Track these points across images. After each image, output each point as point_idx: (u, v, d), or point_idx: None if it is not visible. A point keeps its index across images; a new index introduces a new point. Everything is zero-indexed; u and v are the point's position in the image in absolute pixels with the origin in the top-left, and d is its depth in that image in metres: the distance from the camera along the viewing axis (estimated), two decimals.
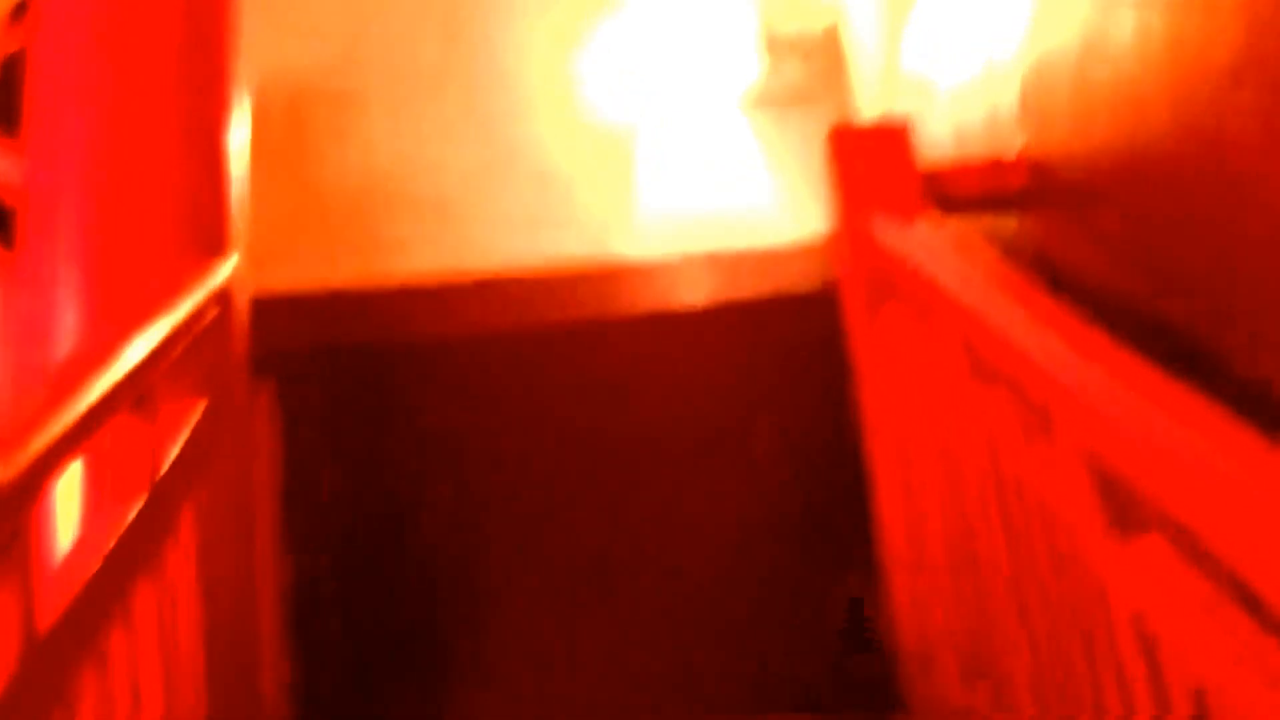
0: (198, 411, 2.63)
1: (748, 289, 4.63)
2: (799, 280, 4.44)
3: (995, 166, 2.86)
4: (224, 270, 2.87)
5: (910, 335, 2.50)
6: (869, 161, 2.81)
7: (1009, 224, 2.82)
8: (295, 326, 4.28)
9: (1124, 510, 1.60)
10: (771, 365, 4.35)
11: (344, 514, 4.22)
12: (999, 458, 2.04)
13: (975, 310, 2.00)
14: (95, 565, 2.03)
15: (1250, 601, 1.44)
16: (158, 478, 2.30)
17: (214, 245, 2.98)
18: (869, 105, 4.45)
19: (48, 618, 1.79)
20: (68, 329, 2.84)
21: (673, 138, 5.06)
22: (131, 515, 2.19)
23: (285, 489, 3.84)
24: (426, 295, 4.66)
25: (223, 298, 2.84)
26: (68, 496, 2.41)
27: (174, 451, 2.44)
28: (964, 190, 2.82)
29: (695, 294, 4.69)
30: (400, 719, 4.08)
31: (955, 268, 2.20)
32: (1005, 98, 2.91)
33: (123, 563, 2.14)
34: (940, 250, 2.32)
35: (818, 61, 4.96)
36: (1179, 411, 1.50)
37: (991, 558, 2.12)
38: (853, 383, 2.85)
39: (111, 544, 2.10)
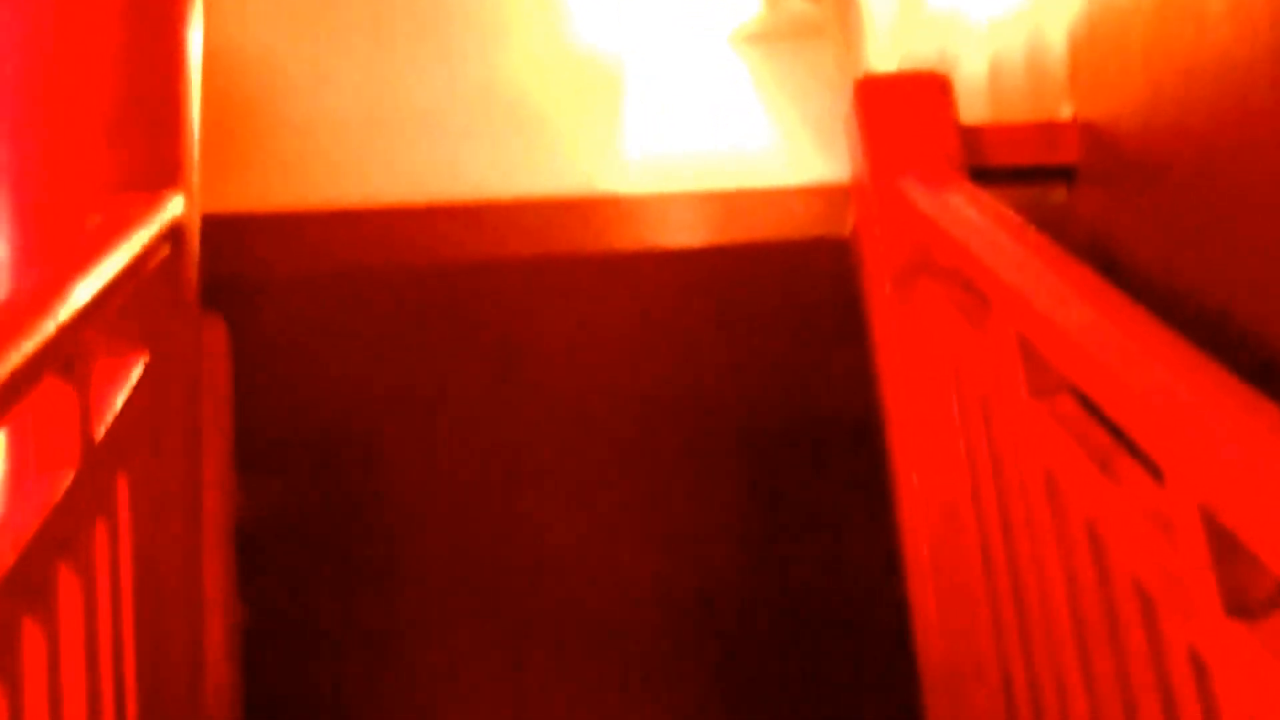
0: (139, 366, 2.35)
1: (742, 232, 4.39)
2: (798, 226, 4.22)
3: (1044, 130, 2.56)
4: (175, 204, 2.56)
5: (948, 322, 2.22)
6: (901, 116, 2.52)
7: (1057, 196, 2.53)
8: (250, 252, 4.04)
9: (1247, 587, 1.33)
10: (767, 315, 4.09)
11: (299, 456, 3.97)
12: (1062, 491, 1.76)
13: (1048, 316, 1.72)
14: (16, 551, 1.77)
15: None
16: (89, 449, 2.02)
17: (164, 174, 2.67)
18: (882, 40, 4.16)
19: None
20: None
21: (663, 71, 4.80)
22: (58, 493, 1.91)
23: (236, 432, 3.57)
24: (391, 222, 4.42)
25: (173, 235, 2.54)
26: None
27: (110, 416, 2.16)
28: (1007, 156, 2.53)
29: (685, 234, 4.45)
30: (352, 673, 3.84)
31: (1016, 254, 1.91)
32: (1054, 40, 2.61)
33: (47, 547, 1.87)
34: (994, 229, 2.03)
35: None
36: None
37: (1046, 602, 1.85)
38: (865, 344, 2.59)
39: (35, 527, 1.83)
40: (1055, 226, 2.35)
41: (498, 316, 4.21)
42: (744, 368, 4.02)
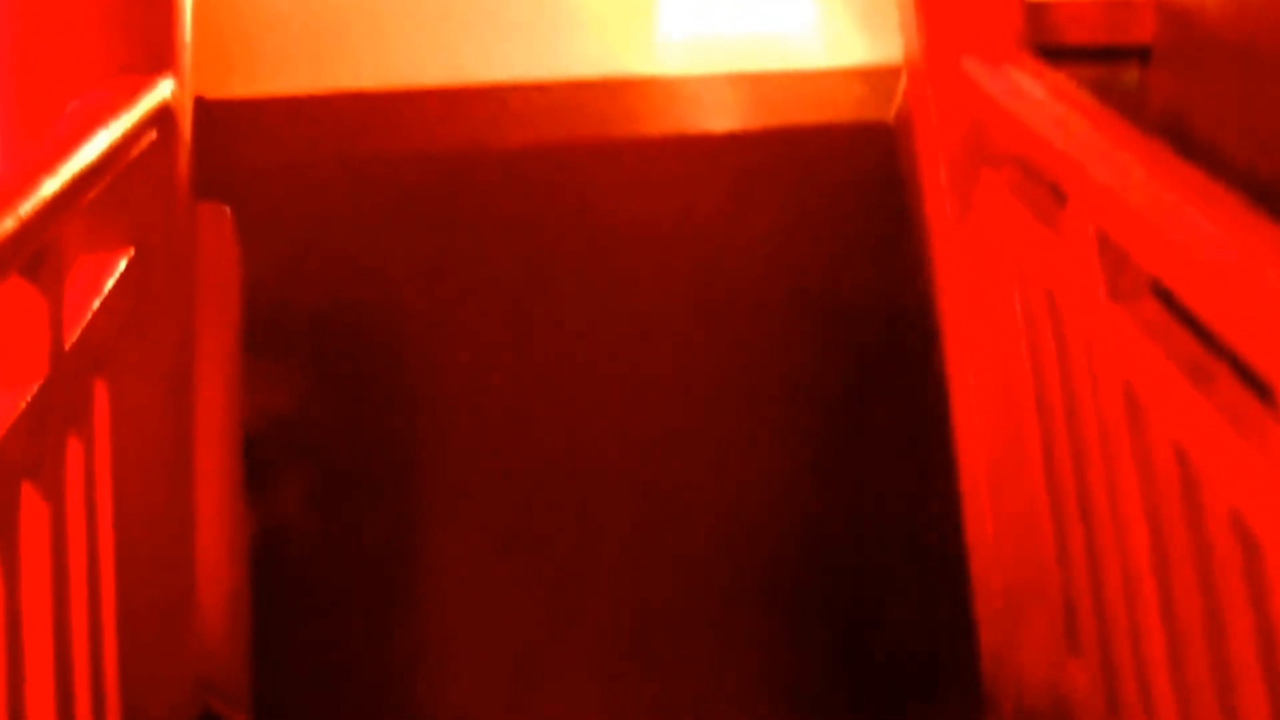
0: (123, 262, 2.16)
1: (779, 116, 4.21)
2: (839, 110, 4.05)
3: (1116, 6, 2.38)
4: (163, 87, 2.36)
5: (1012, 216, 2.03)
6: None
7: (1128, 78, 2.33)
8: (263, 139, 3.88)
9: None
10: (804, 202, 3.93)
11: (313, 354, 3.82)
12: (1144, 406, 1.57)
13: (1139, 210, 1.52)
14: None
15: None
16: (59, 357, 1.83)
17: (154, 58, 2.47)
18: None
19: None
20: None
21: None
22: (20, 407, 1.73)
23: (248, 330, 3.41)
24: (411, 105, 4.27)
25: (161, 119, 2.35)
26: None
27: (86, 318, 1.97)
28: (1076, 34, 2.35)
29: (720, 118, 4.28)
30: (368, 580, 3.71)
31: (1097, 140, 1.71)
32: None
33: (7, 468, 1.69)
34: (1071, 112, 1.83)
35: None
36: None
37: (1121, 530, 1.67)
38: (909, 236, 2.42)
39: None
40: (1127, 110, 2.16)
41: (523, 204, 4.07)
42: (779, 256, 3.87)
